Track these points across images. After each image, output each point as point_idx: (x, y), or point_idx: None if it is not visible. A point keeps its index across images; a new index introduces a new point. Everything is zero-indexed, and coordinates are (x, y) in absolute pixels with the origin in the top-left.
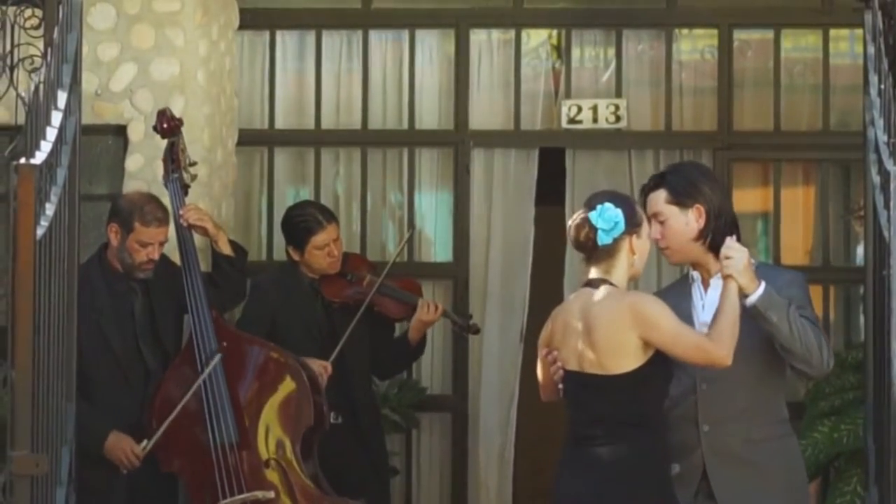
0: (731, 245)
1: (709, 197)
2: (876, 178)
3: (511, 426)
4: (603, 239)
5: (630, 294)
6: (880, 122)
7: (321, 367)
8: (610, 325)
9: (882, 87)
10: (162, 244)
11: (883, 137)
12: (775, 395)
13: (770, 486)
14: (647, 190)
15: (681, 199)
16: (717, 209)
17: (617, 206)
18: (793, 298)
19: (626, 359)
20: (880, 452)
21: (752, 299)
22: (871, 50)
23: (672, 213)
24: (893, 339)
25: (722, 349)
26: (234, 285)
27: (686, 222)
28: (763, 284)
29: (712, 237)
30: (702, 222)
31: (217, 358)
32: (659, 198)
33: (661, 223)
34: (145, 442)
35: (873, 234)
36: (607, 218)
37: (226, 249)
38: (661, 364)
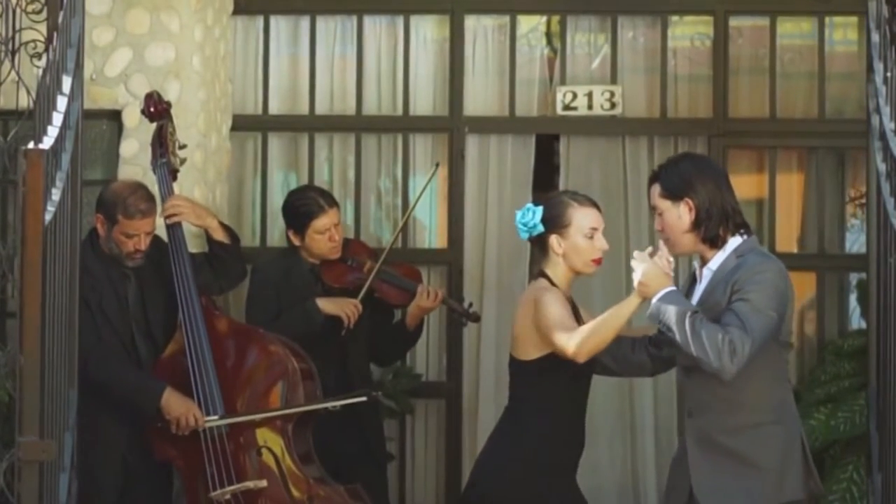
0: (635, 256)
1: (699, 192)
2: (882, 166)
3: None
4: (520, 234)
5: (538, 290)
6: (887, 110)
7: (352, 307)
8: (519, 314)
9: (888, 74)
10: (149, 234)
11: (890, 125)
12: (758, 383)
13: (744, 473)
14: (648, 183)
15: (671, 193)
16: (708, 203)
17: (542, 208)
18: (740, 291)
19: (529, 347)
20: (884, 439)
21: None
22: (876, 38)
23: (665, 206)
24: None
25: (572, 346)
26: (231, 270)
27: (678, 215)
28: (659, 294)
29: (706, 229)
30: (692, 216)
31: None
32: (654, 191)
33: (660, 216)
34: (216, 417)
35: (877, 221)
36: (522, 217)
37: (218, 235)
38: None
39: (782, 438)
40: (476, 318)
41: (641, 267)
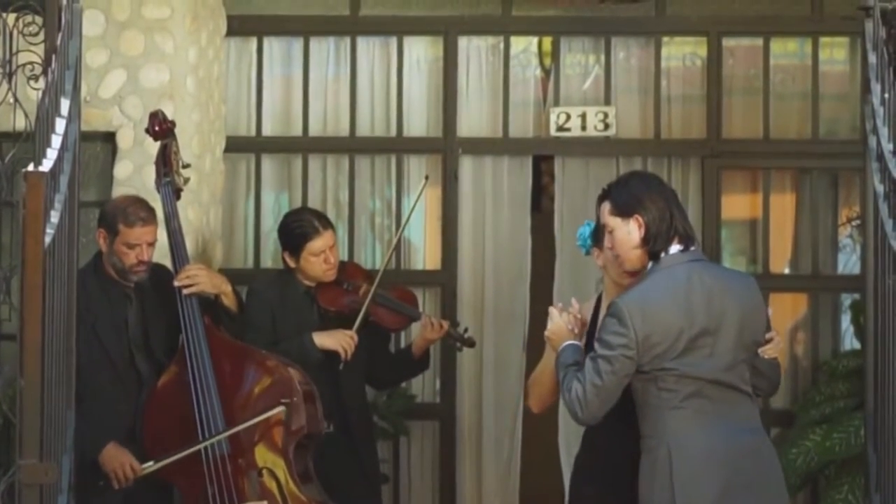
0: (549, 312)
1: (648, 208)
2: (880, 187)
3: (517, 437)
4: (581, 251)
5: None
6: (884, 131)
7: (349, 339)
8: None
9: (886, 96)
10: (151, 244)
11: (888, 146)
12: (638, 413)
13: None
14: (598, 201)
15: (621, 210)
16: (658, 219)
17: (590, 224)
18: (600, 328)
19: None
20: (881, 460)
21: None
22: (873, 59)
23: (616, 223)
24: None
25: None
26: (228, 331)
27: (628, 231)
28: (559, 348)
29: (654, 244)
30: (642, 231)
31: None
32: (605, 210)
33: (610, 233)
34: (150, 463)
35: (874, 242)
36: (578, 233)
37: (228, 301)
38: None
39: (647, 469)
40: (472, 344)
41: (550, 323)
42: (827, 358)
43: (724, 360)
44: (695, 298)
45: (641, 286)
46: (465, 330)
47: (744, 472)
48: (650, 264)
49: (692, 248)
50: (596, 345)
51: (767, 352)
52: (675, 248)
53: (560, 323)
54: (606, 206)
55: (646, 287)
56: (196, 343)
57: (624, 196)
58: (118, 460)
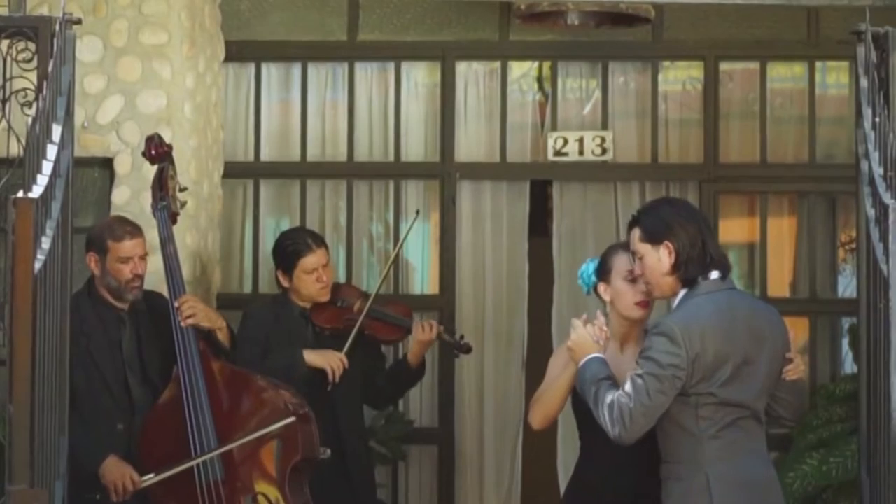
0: (572, 324)
1: (679, 235)
2: (870, 211)
3: (517, 461)
4: (582, 289)
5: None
6: (875, 155)
7: (337, 360)
8: None
9: (877, 119)
10: (142, 257)
11: (878, 170)
12: (665, 438)
13: None
14: (628, 228)
15: (651, 237)
16: (688, 246)
17: (594, 260)
18: (645, 347)
19: None
20: (874, 484)
21: None
22: (864, 83)
23: (646, 250)
24: (893, 371)
25: (529, 415)
26: None
27: (658, 258)
28: (583, 361)
29: (685, 271)
30: (673, 258)
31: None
32: (634, 236)
33: (640, 260)
34: (151, 476)
35: (867, 266)
36: (580, 271)
37: (222, 336)
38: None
39: (678, 496)
40: (468, 350)
41: (573, 334)
42: (825, 382)
43: (756, 388)
44: (738, 326)
45: (686, 309)
46: (461, 337)
47: (768, 500)
48: (682, 291)
49: (728, 277)
50: (642, 363)
51: (789, 373)
52: (714, 274)
53: (584, 334)
54: (636, 232)
55: (692, 310)
56: (191, 368)
57: (654, 222)
58: (119, 471)
